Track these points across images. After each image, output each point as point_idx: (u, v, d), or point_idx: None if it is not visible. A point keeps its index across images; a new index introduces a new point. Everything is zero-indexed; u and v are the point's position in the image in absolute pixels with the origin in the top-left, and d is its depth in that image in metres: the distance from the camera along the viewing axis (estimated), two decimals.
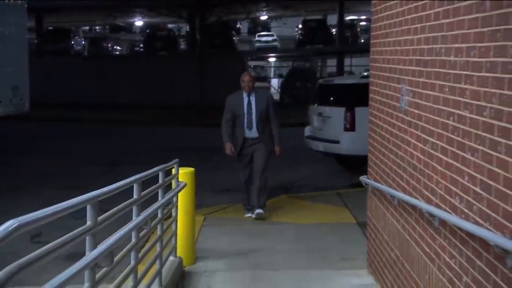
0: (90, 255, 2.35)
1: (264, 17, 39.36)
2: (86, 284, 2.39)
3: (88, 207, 2.44)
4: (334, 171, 11.00)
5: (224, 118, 7.47)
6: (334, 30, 34.03)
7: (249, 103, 7.40)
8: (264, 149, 7.36)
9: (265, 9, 33.74)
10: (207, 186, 8.87)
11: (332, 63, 34.55)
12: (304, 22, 33.85)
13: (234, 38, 32.11)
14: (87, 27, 45.44)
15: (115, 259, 2.87)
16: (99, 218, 2.53)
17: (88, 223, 2.42)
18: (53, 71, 27.14)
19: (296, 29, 34.59)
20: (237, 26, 38.34)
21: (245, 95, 7.42)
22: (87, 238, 2.42)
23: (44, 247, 1.95)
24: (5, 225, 1.60)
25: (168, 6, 24.48)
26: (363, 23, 37.64)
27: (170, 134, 18.34)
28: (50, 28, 34.07)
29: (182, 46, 34.81)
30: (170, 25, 37.73)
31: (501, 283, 2.55)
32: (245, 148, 7.39)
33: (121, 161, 12.70)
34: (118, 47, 39.38)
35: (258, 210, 7.38)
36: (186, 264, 5.49)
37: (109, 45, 36.81)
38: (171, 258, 5.11)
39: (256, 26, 40.30)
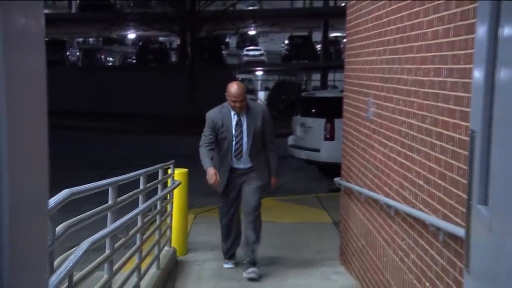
0: (111, 226, 2.90)
1: (252, 33, 40.07)
2: (107, 251, 2.94)
3: (110, 189, 3.00)
4: (315, 177, 11.60)
5: (203, 140, 5.34)
6: (318, 46, 34.83)
7: (238, 123, 5.30)
8: (257, 181, 5.38)
9: (253, 25, 34.47)
10: (196, 189, 9.40)
11: (316, 77, 35.27)
12: (290, 38, 34.66)
13: (223, 52, 32.79)
14: (81, 39, 45.85)
15: (122, 241, 3.42)
16: (118, 199, 3.09)
17: (110, 202, 2.98)
18: (49, 81, 27.43)
19: (283, 44, 35.36)
20: (226, 40, 38.99)
21: (233, 112, 5.30)
22: (109, 214, 2.97)
23: (80, 215, 2.50)
24: (62, 193, 2.15)
25: (160, 20, 25.06)
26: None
27: (161, 142, 18.85)
28: (46, 39, 34.45)
29: (173, 58, 35.37)
30: (161, 38, 38.31)
31: (435, 255, 3.14)
32: (232, 180, 5.39)
33: (114, 166, 13.17)
34: (111, 59, 39.85)
35: (251, 270, 5.30)
36: (179, 255, 6.02)
37: (103, 56, 37.30)
38: (166, 248, 5.65)
39: (244, 41, 40.99)
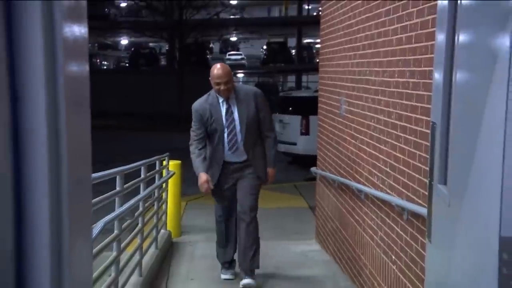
0: (119, 210, 2.98)
1: (234, 39, 40.05)
2: (116, 231, 3.01)
3: (118, 177, 3.07)
4: (292, 168, 11.73)
5: (192, 138, 4.26)
6: (293, 51, 34.99)
7: (228, 111, 4.22)
8: (253, 179, 4.32)
9: (234, 32, 34.47)
10: (188, 179, 9.45)
11: (291, 79, 35.43)
12: (268, 44, 34.74)
13: (208, 56, 32.72)
14: None
15: (128, 222, 3.50)
16: (124, 186, 3.16)
17: (117, 188, 3.05)
18: None
19: (261, 49, 35.42)
20: (211, 46, 38.92)
21: (221, 99, 4.23)
22: (116, 199, 3.04)
23: (94, 199, 2.57)
24: None
25: (151, 28, 24.97)
26: (318, 45, 38.64)
27: (153, 138, 18.83)
28: None
29: (163, 62, 35.21)
30: (151, 44, 38.09)
31: (400, 232, 3.28)
32: (225, 175, 4.31)
33: (111, 160, 13.11)
34: (106, 63, 39.53)
35: (247, 280, 4.30)
36: (173, 237, 6.10)
37: (98, 60, 36.98)
38: (163, 230, 5.72)
39: (227, 46, 40.96)
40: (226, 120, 4.21)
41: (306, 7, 34.94)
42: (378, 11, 3.75)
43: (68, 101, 0.93)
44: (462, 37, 1.63)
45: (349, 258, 4.55)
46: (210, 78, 4.17)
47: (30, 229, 0.89)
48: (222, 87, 4.13)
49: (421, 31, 2.96)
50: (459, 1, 1.65)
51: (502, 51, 1.22)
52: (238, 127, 4.22)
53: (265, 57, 33.55)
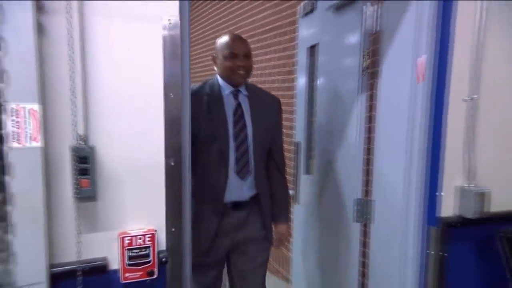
0: None
1: None
2: None
3: None
4: None
5: None
6: None
7: (238, 111, 1.75)
8: (266, 248, 1.84)
9: None
10: None
11: None
12: None
13: None
14: None
15: None
16: None
17: None
18: None
19: None
20: None
21: (228, 90, 1.76)
22: None
23: None
24: None
25: None
26: None
27: None
28: None
29: None
30: None
31: None
32: (221, 229, 1.73)
33: None
34: None
35: None
36: None
37: None
38: None
39: None
40: (235, 123, 1.78)
41: None
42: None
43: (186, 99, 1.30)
44: (320, 82, 1.90)
45: None
46: (214, 55, 1.81)
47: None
48: (239, 63, 1.74)
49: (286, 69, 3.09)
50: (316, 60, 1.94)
51: (354, 94, 1.61)
52: (250, 138, 1.80)
53: None
